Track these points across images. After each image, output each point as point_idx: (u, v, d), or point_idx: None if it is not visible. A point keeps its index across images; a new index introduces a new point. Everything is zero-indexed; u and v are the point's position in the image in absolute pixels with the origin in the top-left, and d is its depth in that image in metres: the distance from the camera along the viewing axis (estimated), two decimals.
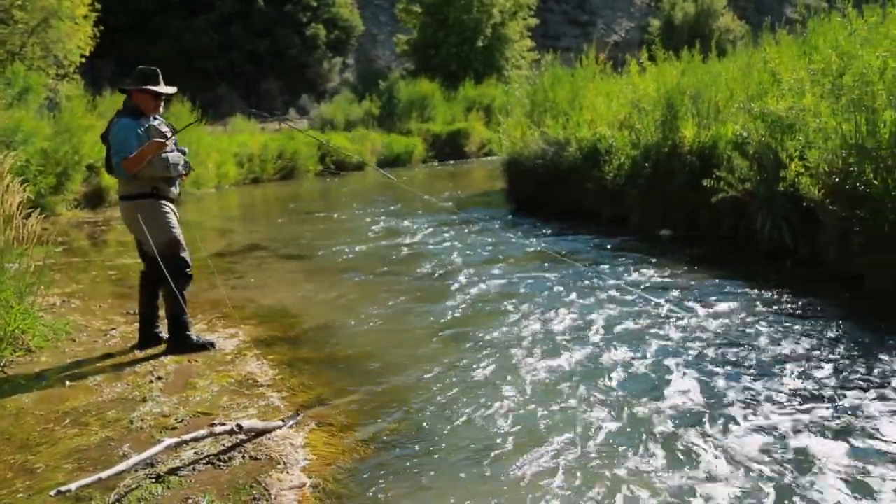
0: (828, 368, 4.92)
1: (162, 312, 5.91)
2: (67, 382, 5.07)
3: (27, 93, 16.81)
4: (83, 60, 21.67)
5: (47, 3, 20.21)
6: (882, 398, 4.41)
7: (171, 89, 5.77)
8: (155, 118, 5.73)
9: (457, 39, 40.94)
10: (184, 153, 5.86)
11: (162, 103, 5.79)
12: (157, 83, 5.67)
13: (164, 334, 5.91)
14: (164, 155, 5.55)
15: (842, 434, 3.98)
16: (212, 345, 5.84)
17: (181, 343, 5.74)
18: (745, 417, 4.24)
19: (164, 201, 5.70)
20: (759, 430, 4.08)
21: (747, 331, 5.76)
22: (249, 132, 25.68)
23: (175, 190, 5.83)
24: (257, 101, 42.62)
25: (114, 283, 8.75)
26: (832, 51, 6.52)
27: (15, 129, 14.14)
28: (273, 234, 12.36)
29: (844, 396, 4.47)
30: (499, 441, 4.07)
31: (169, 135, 5.65)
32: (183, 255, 5.74)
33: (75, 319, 6.70)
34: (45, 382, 5.09)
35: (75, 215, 15.60)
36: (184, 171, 5.83)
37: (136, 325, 6.07)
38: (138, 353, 5.69)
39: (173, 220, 5.73)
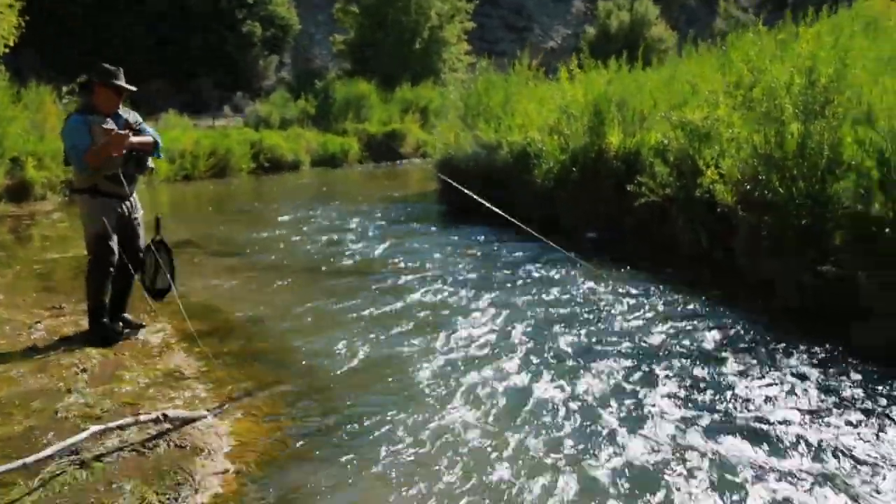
0: (727, 368, 5.23)
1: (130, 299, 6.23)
2: None
3: None
4: (6, 51, 21.13)
5: None
6: (780, 393, 4.72)
7: (132, 87, 5.84)
8: (119, 115, 5.80)
9: (394, 41, 41.00)
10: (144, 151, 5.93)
11: (121, 100, 5.84)
12: (118, 79, 5.73)
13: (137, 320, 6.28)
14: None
15: (736, 429, 4.26)
16: (120, 334, 5.95)
17: (93, 331, 5.87)
18: (636, 417, 4.50)
19: (103, 197, 5.75)
20: (649, 427, 4.34)
21: (653, 330, 6.05)
22: (182, 128, 25.35)
23: (126, 188, 5.84)
24: (191, 97, 42.07)
25: (39, 278, 8.66)
26: (744, 65, 6.85)
27: None
28: (204, 231, 12.31)
29: (744, 393, 4.77)
30: (419, 431, 4.25)
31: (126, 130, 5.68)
32: (107, 249, 5.76)
33: None
34: None
35: None
36: (132, 171, 5.86)
37: (61, 318, 6.27)
38: (63, 346, 5.70)
39: (107, 215, 5.76)
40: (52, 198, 16.40)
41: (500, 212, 6.49)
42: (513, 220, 6.51)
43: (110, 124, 5.63)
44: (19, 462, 3.41)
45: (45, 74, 25.31)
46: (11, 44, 21.10)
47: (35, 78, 19.92)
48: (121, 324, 6.11)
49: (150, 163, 6.07)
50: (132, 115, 5.99)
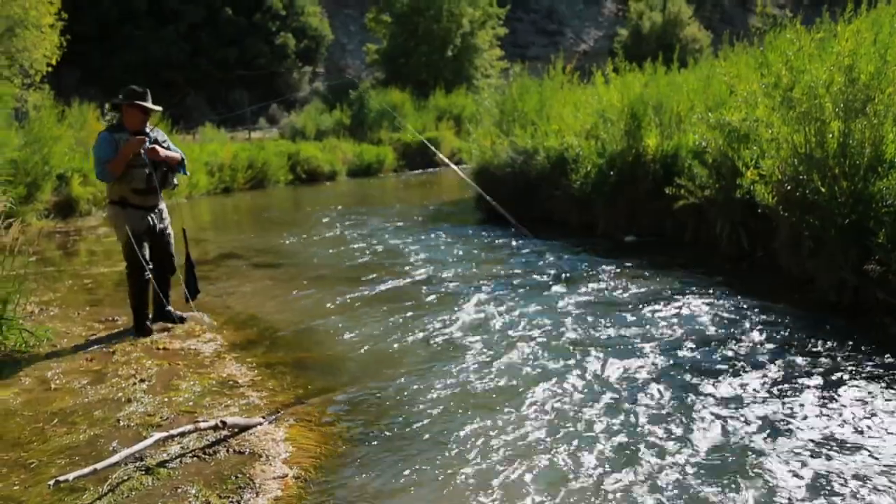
0: (773, 364, 5.24)
1: (172, 293, 7.01)
2: (53, 385, 5.26)
3: None
4: (49, 70, 21.61)
5: (13, 12, 20.12)
6: (821, 392, 4.74)
7: (157, 108, 6.54)
8: (147, 133, 6.44)
9: (427, 49, 41.15)
10: (169, 168, 6.64)
11: (148, 119, 6.46)
12: (145, 100, 6.35)
13: (176, 312, 6.99)
14: (134, 170, 6.34)
15: (786, 428, 4.29)
16: (149, 331, 6.62)
17: (136, 326, 6.64)
18: (695, 414, 4.53)
19: (131, 208, 6.43)
20: (715, 424, 4.38)
21: (704, 330, 6.08)
22: (219, 142, 25.70)
23: (151, 199, 6.58)
24: (226, 110, 42.61)
25: (89, 292, 8.88)
26: (782, 65, 6.85)
27: None
28: (246, 243, 12.52)
29: (790, 391, 4.79)
30: (473, 437, 4.32)
31: (148, 142, 6.35)
32: (138, 255, 6.36)
33: (55, 326, 6.85)
34: (30, 386, 5.27)
35: (45, 225, 15.61)
36: (155, 184, 6.49)
37: (115, 331, 6.67)
38: (120, 357, 5.88)
39: (136, 224, 6.42)
40: (97, 213, 16.75)
41: (508, 216, 6.54)
42: (516, 227, 6.54)
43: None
44: (90, 468, 3.56)
45: (85, 91, 25.87)
46: (54, 62, 21.62)
47: (76, 95, 20.33)
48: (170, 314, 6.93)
49: (175, 179, 6.81)
50: (159, 134, 6.65)
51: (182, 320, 6.98)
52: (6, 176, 13.88)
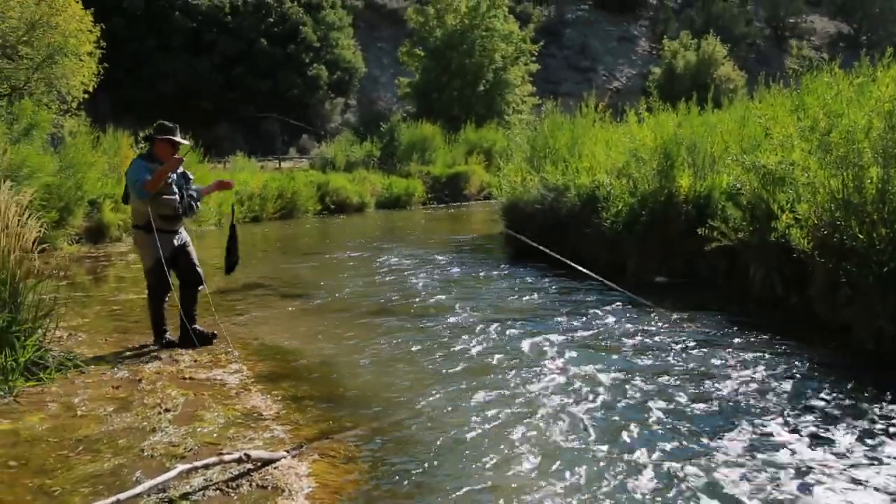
0: (809, 415, 5.12)
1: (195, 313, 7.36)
2: (79, 412, 5.24)
3: (33, 128, 17.04)
4: (86, 97, 21.97)
5: (53, 40, 20.53)
6: (863, 443, 4.61)
7: (186, 142, 7.19)
8: None
9: (459, 83, 41.46)
10: (192, 197, 7.23)
11: (177, 152, 6.97)
12: (175, 135, 6.95)
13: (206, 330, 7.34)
14: (164, 197, 6.88)
15: (824, 479, 4.17)
16: (171, 343, 7.13)
17: (156, 341, 7.17)
18: (728, 460, 4.42)
19: (157, 233, 6.77)
20: (747, 472, 4.26)
21: (734, 378, 5.95)
22: (250, 171, 25.95)
23: (175, 225, 7.12)
24: (257, 139, 43.08)
25: (117, 318, 8.91)
26: (819, 109, 6.79)
27: (21, 164, 14.35)
28: (274, 273, 12.55)
29: (828, 441, 4.66)
30: (496, 477, 4.25)
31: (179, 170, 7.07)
32: (160, 277, 6.87)
33: (83, 352, 6.86)
34: (57, 412, 5.26)
35: (76, 250, 15.75)
36: (181, 212, 7.06)
37: (142, 358, 6.77)
38: (146, 386, 5.87)
39: (161, 247, 6.81)
40: (127, 239, 16.88)
41: (564, 259, 6.49)
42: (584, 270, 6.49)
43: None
44: (113, 498, 3.52)
45: (120, 119, 26.25)
46: (91, 90, 21.98)
47: (111, 122, 20.63)
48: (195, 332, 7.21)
49: (198, 209, 7.40)
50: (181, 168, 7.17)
51: (214, 336, 7.27)
52: (40, 201, 14.09)
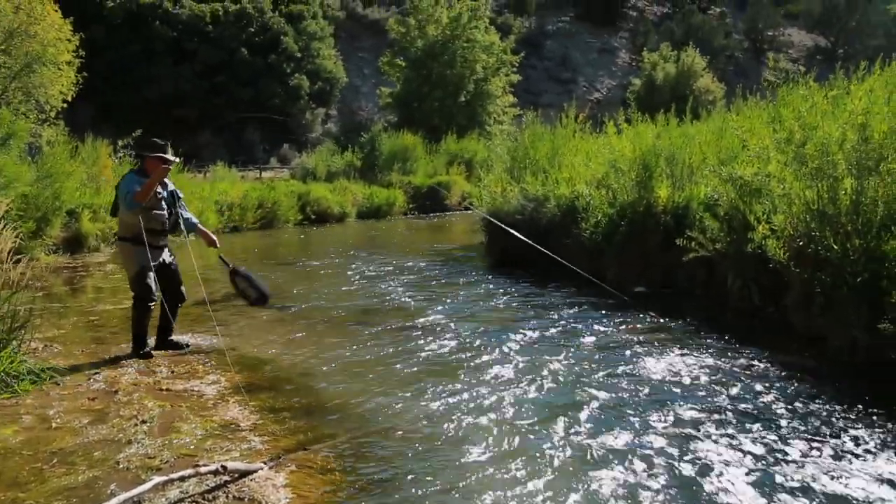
0: (784, 424, 5.15)
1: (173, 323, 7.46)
2: (53, 424, 5.20)
3: (10, 138, 16.88)
4: (64, 105, 21.84)
5: (31, 49, 20.43)
6: (835, 453, 4.64)
7: (176, 159, 7.33)
8: (165, 182, 7.23)
9: (440, 94, 41.56)
10: (181, 216, 7.38)
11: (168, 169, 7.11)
12: (166, 152, 7.10)
13: (182, 339, 7.62)
14: (154, 212, 7.04)
15: (792, 486, 4.20)
16: (149, 354, 7.14)
17: (134, 351, 7.17)
18: (693, 473, 4.45)
19: (143, 246, 6.84)
20: (716, 478, 4.29)
21: (710, 386, 5.99)
22: (230, 181, 25.84)
23: (161, 240, 7.26)
24: (238, 148, 42.98)
25: (94, 329, 8.84)
26: (795, 121, 6.86)
27: None
28: None
29: (800, 448, 4.70)
30: (482, 489, 4.25)
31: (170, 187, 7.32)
32: (146, 288, 7.00)
33: (58, 363, 6.79)
34: (31, 424, 5.21)
35: (53, 260, 15.60)
36: (168, 228, 7.27)
37: (119, 369, 6.71)
38: (122, 397, 5.83)
39: (146, 260, 6.92)
40: (105, 249, 16.77)
41: (556, 257, 6.51)
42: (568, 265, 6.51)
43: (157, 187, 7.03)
44: None
45: (99, 128, 26.08)
46: (69, 99, 21.86)
47: (90, 131, 20.47)
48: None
49: (184, 229, 7.49)
50: (172, 186, 7.41)
51: (187, 345, 7.52)
52: (17, 211, 13.96)
